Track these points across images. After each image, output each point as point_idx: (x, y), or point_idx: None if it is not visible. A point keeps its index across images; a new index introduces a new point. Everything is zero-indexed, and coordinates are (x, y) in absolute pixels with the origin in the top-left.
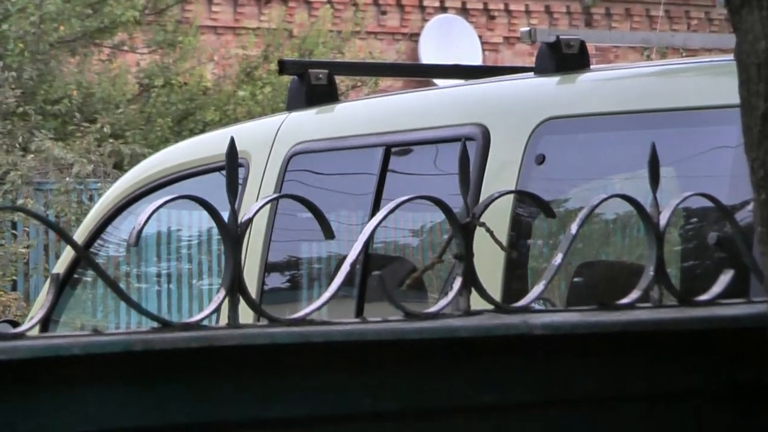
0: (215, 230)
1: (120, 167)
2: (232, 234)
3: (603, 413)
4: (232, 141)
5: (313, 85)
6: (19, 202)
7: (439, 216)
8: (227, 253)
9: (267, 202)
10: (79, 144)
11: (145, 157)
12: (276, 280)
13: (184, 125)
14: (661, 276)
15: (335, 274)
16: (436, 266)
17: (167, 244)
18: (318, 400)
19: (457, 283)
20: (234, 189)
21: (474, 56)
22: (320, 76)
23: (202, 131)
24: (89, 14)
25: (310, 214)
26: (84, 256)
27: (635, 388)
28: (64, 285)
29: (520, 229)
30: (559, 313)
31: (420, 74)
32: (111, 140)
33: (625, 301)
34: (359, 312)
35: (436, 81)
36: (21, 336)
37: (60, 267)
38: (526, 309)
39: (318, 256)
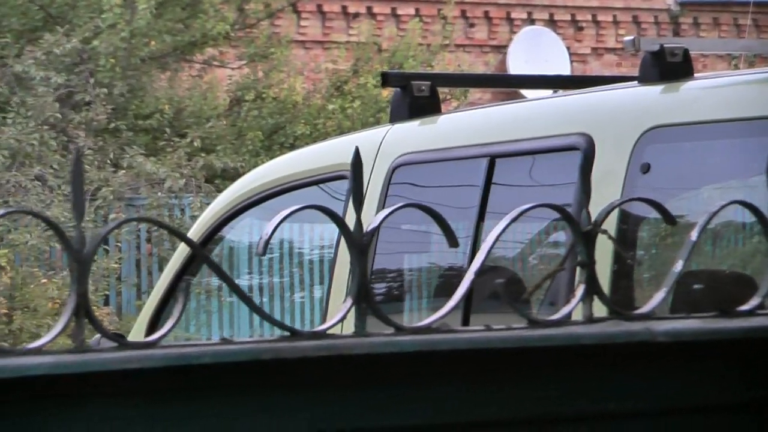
0: (306, 244)
1: (211, 181)
2: (358, 243)
3: (723, 420)
4: (357, 151)
5: (415, 96)
6: (111, 217)
7: (535, 227)
8: (353, 262)
9: (393, 212)
10: (170, 159)
11: (237, 170)
12: (378, 290)
13: (275, 139)
14: None
15: (456, 283)
16: (539, 277)
17: (259, 257)
18: (443, 408)
19: (580, 290)
20: (359, 198)
21: (562, 67)
22: (423, 87)
23: (293, 145)
24: (180, 29)
25: (410, 226)
26: (224, 277)
27: (757, 395)
28: (168, 299)
29: (624, 240)
30: (680, 320)
31: (524, 85)
32: (202, 154)
33: (744, 307)
34: (465, 321)
35: (524, 92)
36: (153, 344)
37: (163, 282)
38: (648, 316)
39: (418, 267)
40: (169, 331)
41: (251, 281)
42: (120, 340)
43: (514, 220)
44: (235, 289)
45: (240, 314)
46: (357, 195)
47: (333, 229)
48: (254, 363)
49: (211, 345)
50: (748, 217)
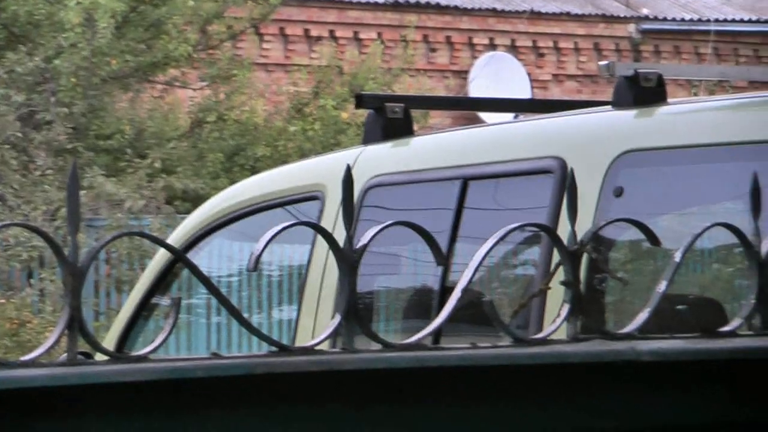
0: (264, 267)
1: (171, 202)
2: (349, 260)
3: None
4: (348, 169)
5: (389, 118)
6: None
7: (500, 250)
8: (342, 278)
9: (382, 229)
10: (131, 180)
11: (198, 192)
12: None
13: (236, 161)
14: (763, 304)
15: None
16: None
17: (217, 277)
18: (431, 425)
19: (565, 309)
20: (350, 214)
21: (523, 93)
22: (396, 109)
23: (253, 167)
24: (142, 50)
25: (380, 248)
26: (213, 289)
27: (740, 415)
28: (137, 318)
29: (593, 262)
30: (664, 340)
31: (498, 108)
32: (163, 175)
33: (727, 328)
34: (436, 340)
35: (484, 117)
36: (144, 358)
37: (131, 302)
38: (633, 336)
39: (390, 288)
40: (161, 345)
41: (211, 301)
42: (113, 354)
43: (501, 239)
44: (225, 303)
45: (198, 335)
46: (348, 211)
47: (294, 251)
48: (246, 378)
49: (202, 359)
50: (712, 242)
